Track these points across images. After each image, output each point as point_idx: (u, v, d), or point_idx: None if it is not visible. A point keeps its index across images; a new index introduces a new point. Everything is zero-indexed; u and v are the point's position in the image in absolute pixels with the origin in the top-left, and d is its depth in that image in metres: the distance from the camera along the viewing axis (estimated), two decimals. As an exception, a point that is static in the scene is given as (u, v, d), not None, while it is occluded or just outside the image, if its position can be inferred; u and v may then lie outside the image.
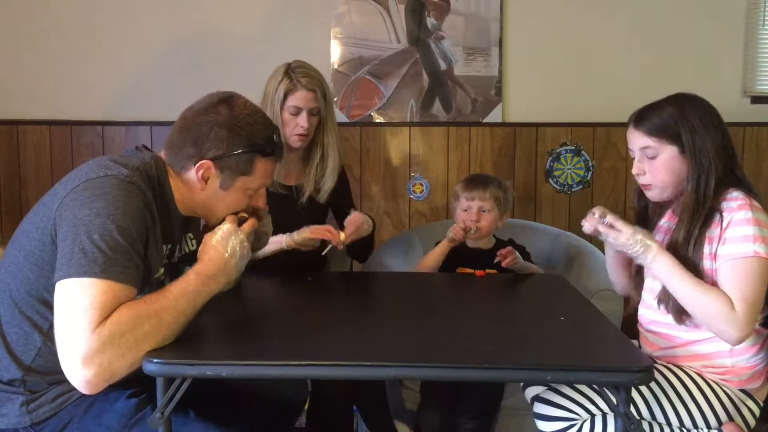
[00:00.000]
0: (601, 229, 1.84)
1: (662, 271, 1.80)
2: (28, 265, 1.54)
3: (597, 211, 1.87)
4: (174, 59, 3.30)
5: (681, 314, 1.83)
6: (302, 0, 3.29)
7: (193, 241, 1.84)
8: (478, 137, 3.33)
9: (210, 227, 1.74)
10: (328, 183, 2.43)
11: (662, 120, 1.85)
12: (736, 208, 1.77)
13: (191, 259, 1.81)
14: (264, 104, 2.34)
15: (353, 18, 3.27)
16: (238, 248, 1.60)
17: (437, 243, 2.47)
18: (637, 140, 1.89)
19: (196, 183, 1.65)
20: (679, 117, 1.84)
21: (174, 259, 1.74)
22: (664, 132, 1.84)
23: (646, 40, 3.31)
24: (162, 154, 1.69)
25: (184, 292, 1.49)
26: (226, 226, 1.62)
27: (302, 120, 2.32)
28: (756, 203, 1.79)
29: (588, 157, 3.33)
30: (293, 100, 2.32)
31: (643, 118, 1.88)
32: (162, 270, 1.68)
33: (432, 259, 2.42)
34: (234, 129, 1.63)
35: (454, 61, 3.30)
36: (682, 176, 1.85)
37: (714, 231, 1.79)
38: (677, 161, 1.85)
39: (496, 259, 2.32)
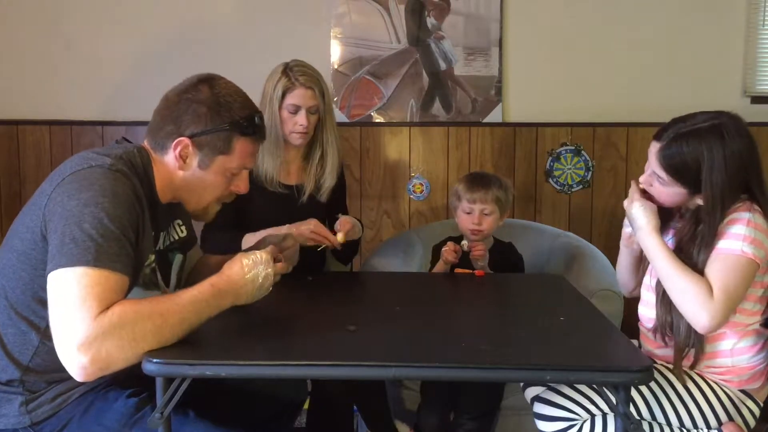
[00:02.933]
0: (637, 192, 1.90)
1: (649, 246, 1.83)
2: (21, 266, 1.53)
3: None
4: (174, 59, 3.29)
5: (681, 353, 1.83)
6: (302, 0, 3.29)
7: (182, 228, 1.83)
8: (478, 137, 3.33)
9: (193, 214, 1.74)
10: (328, 181, 2.44)
11: (685, 163, 1.79)
12: (737, 209, 1.79)
13: (180, 245, 1.80)
14: (263, 103, 2.35)
15: (353, 18, 3.27)
16: (261, 279, 1.58)
17: (435, 247, 2.46)
18: (652, 161, 1.85)
19: (175, 163, 1.64)
20: (706, 168, 1.77)
21: (160, 246, 1.73)
22: (682, 176, 1.80)
23: (646, 40, 3.30)
24: (145, 142, 1.68)
25: (194, 301, 1.49)
26: (262, 255, 1.59)
27: (301, 118, 2.33)
28: (757, 207, 1.79)
29: (588, 157, 3.33)
30: (291, 99, 2.33)
31: (669, 145, 1.80)
32: (152, 257, 1.68)
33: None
34: (213, 107, 1.62)
35: (454, 61, 3.30)
36: (683, 201, 1.86)
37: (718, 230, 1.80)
38: (684, 197, 1.85)
39: (466, 246, 2.33)
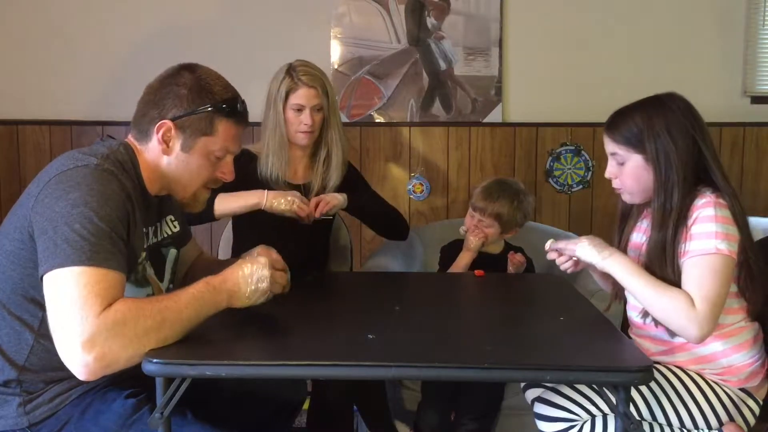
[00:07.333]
0: (559, 249, 1.93)
1: (617, 271, 1.80)
2: (11, 266, 1.53)
3: (548, 244, 1.95)
4: (174, 59, 3.26)
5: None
6: (302, 0, 3.29)
7: (175, 223, 1.83)
8: (478, 137, 3.33)
9: (182, 203, 1.73)
10: (333, 179, 2.45)
11: (628, 129, 1.84)
12: (701, 206, 1.77)
13: (173, 240, 1.80)
14: (268, 104, 2.38)
15: (353, 18, 3.27)
16: (255, 285, 1.56)
17: (443, 248, 2.47)
18: (608, 146, 1.90)
19: (158, 147, 1.63)
20: (645, 126, 1.82)
21: (150, 241, 1.71)
22: (630, 141, 1.84)
23: (646, 40, 3.31)
24: (130, 136, 1.68)
25: (192, 298, 1.48)
26: (262, 265, 1.58)
27: (305, 117, 2.35)
28: (722, 200, 1.77)
29: (588, 157, 3.33)
30: (295, 98, 2.34)
31: (613, 124, 1.88)
32: (144, 254, 1.67)
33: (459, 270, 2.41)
34: (194, 89, 1.63)
35: (454, 61, 3.30)
36: (649, 183, 1.85)
37: (683, 230, 1.79)
38: (644, 170, 1.84)
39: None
